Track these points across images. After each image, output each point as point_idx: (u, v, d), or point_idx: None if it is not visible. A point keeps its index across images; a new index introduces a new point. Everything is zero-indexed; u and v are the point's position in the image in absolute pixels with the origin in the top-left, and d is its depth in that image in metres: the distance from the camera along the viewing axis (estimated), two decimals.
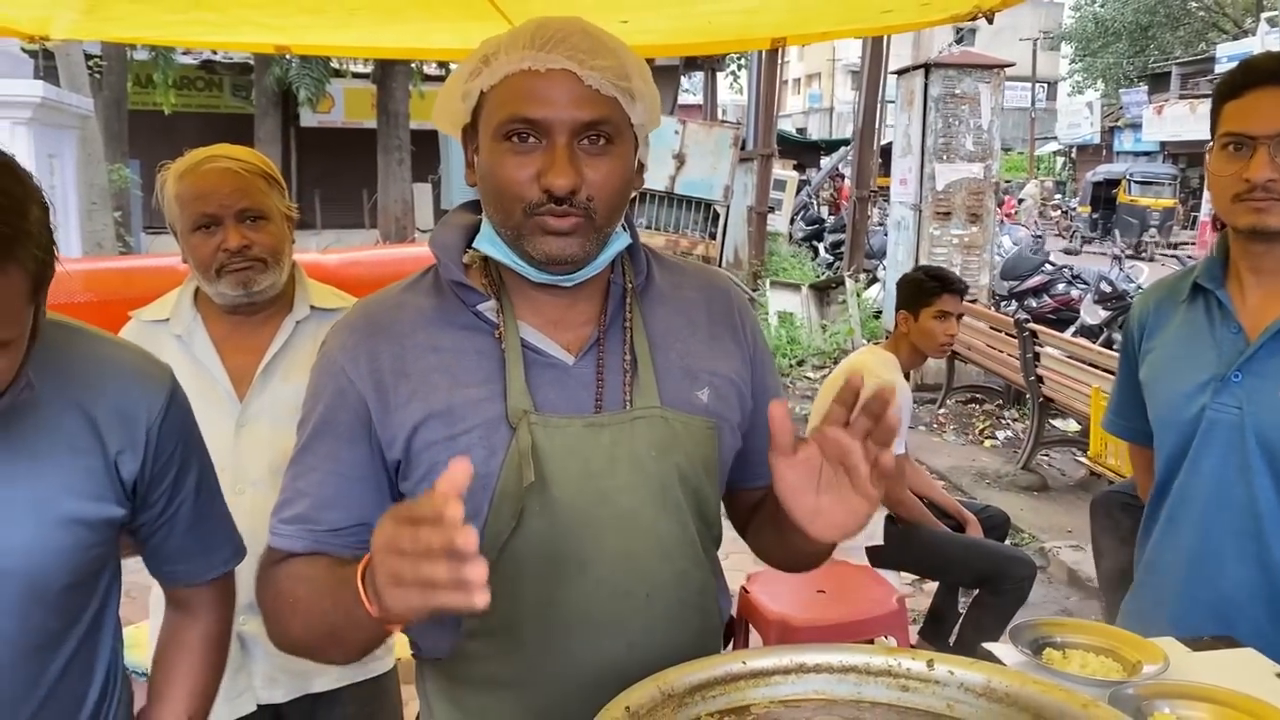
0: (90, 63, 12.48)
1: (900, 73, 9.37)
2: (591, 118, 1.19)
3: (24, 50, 8.08)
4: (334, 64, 16.26)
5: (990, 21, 3.95)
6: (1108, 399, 2.01)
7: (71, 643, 1.28)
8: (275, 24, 3.65)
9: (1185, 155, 28.76)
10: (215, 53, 19.49)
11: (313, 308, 2.01)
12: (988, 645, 1.42)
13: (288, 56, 14.67)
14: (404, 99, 14.98)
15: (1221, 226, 1.73)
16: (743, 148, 11.11)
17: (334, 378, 1.28)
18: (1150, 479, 1.86)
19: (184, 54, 17.88)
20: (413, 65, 15.50)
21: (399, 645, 2.22)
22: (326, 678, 2.01)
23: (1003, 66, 8.94)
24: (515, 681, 1.29)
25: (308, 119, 20.12)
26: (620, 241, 1.30)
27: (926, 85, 8.71)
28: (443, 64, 18.94)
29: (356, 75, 19.03)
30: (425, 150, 16.71)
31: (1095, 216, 27.80)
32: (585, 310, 1.31)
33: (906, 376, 3.64)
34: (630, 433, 1.27)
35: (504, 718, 1.30)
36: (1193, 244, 24.10)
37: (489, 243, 1.27)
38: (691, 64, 18.95)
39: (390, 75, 14.80)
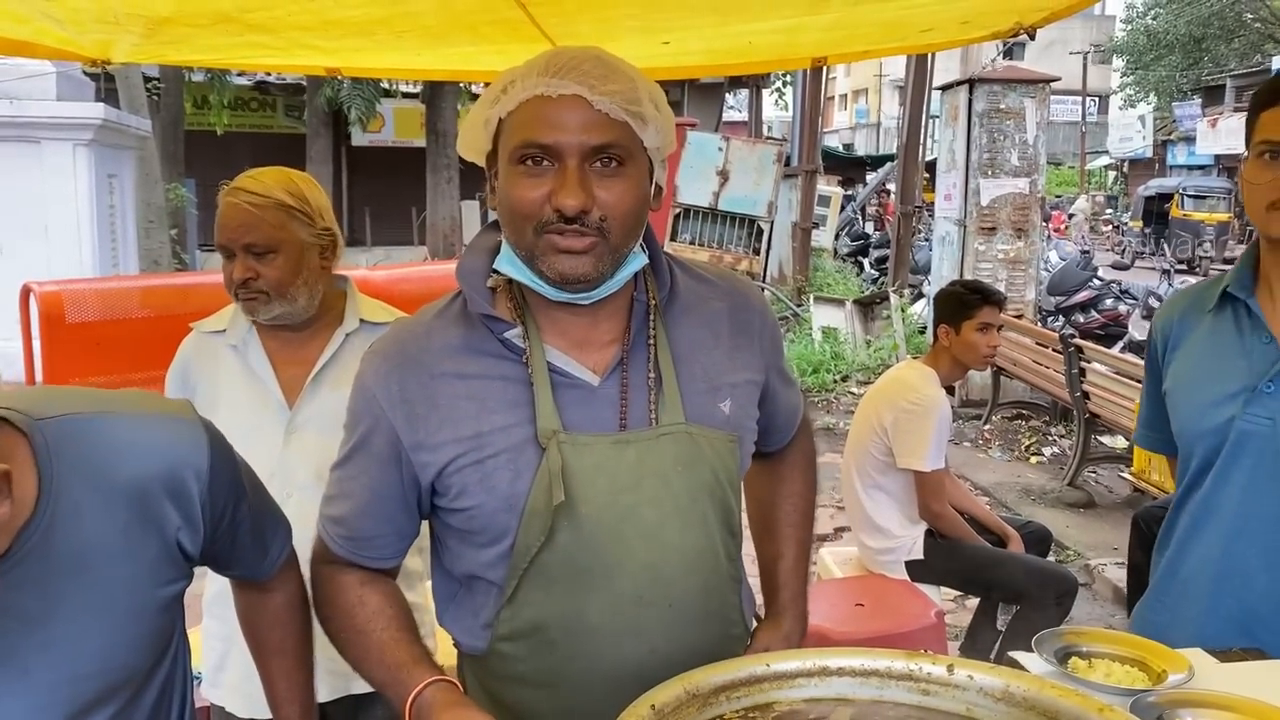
0: (149, 85, 12.81)
1: (945, 88, 9.34)
2: (601, 141, 1.23)
3: (85, 73, 8.34)
4: (384, 84, 16.52)
5: (1033, 38, 3.96)
6: (1138, 413, 2.01)
7: (153, 690, 1.30)
8: (327, 47, 3.76)
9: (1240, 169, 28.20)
10: (269, 74, 19.92)
11: (362, 321, 2.09)
12: (1013, 654, 1.44)
13: (339, 78, 14.95)
14: (452, 118, 15.19)
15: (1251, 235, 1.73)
16: (787, 164, 11.15)
17: (369, 405, 1.35)
18: None
19: (238, 76, 18.29)
20: (461, 85, 15.71)
21: (441, 650, 2.28)
22: None
23: (1048, 81, 8.88)
24: (545, 681, 1.35)
25: (359, 138, 20.43)
26: (636, 261, 1.34)
27: (971, 100, 8.67)
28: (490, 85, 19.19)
29: (406, 95, 19.31)
30: (473, 168, 16.60)
31: (1147, 231, 27.38)
32: (609, 328, 1.35)
33: (950, 391, 3.63)
34: (656, 449, 1.32)
35: (536, 713, 1.36)
36: None
37: (508, 263, 1.32)
38: (736, 81, 19.01)
39: (439, 95, 15.01)
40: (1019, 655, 1.44)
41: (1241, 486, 1.65)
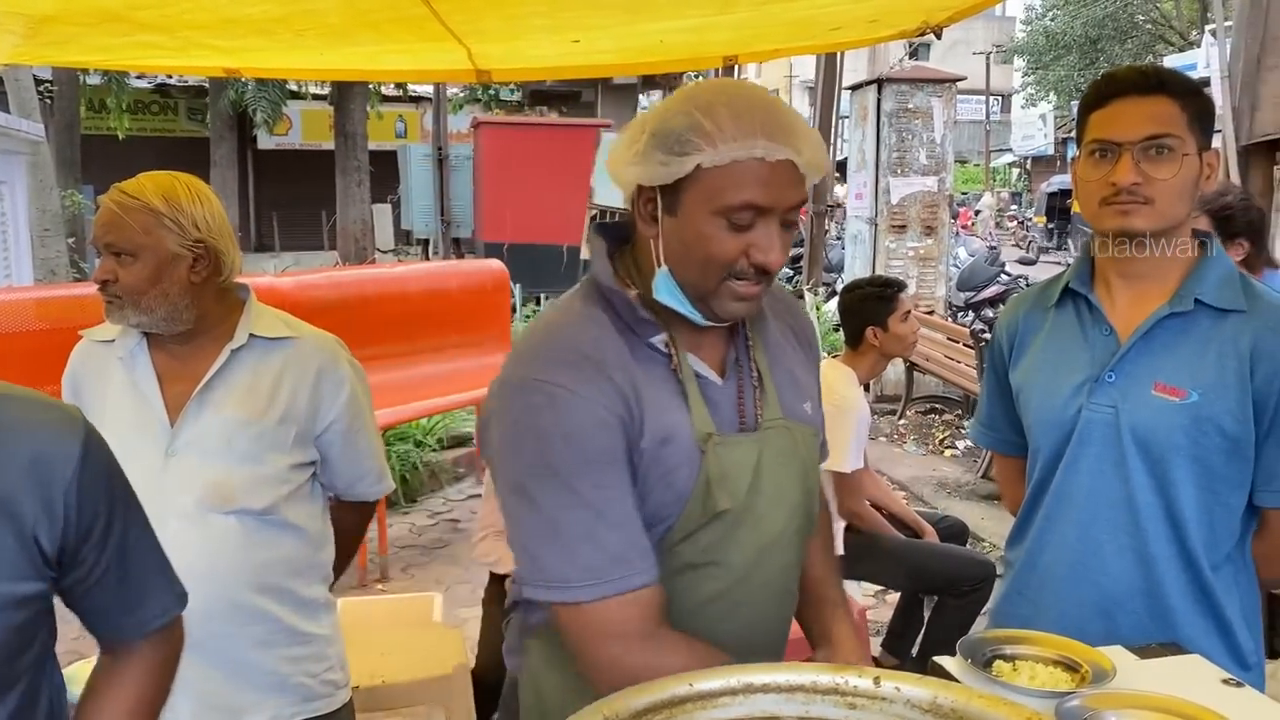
0: (41, 88, 12.31)
1: (854, 88, 9.45)
2: (800, 199, 1.33)
3: None
4: (290, 86, 16.15)
5: (939, 37, 4.01)
6: (975, 410, 2.05)
7: (10, 704, 1.20)
8: (224, 46, 3.62)
9: None
10: (170, 76, 19.34)
11: (253, 336, 1.96)
12: (938, 659, 1.43)
13: (243, 79, 14.56)
14: (361, 120, 14.89)
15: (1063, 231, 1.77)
16: None
17: (591, 414, 1.29)
18: (1017, 489, 1.90)
19: (138, 78, 17.71)
20: (370, 86, 15.43)
21: (355, 675, 2.20)
22: (261, 715, 1.96)
23: (954, 80, 9.05)
24: None
25: (265, 141, 19.99)
26: None
27: (879, 100, 8.79)
28: (400, 85, 18.97)
29: (314, 97, 18.90)
30: (384, 171, 16.64)
31: (1051, 226, 28.18)
32: (718, 331, 1.43)
33: (866, 388, 3.65)
34: (770, 444, 1.42)
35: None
36: None
37: (668, 294, 1.35)
38: (650, 82, 19.01)
39: (348, 97, 14.71)
40: (943, 660, 1.42)
41: (1089, 474, 1.69)
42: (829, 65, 8.74)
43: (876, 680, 1.14)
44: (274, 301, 2.14)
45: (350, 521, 2.19)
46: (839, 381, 3.48)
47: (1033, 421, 1.79)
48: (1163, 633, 1.64)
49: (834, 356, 3.68)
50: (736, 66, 5.46)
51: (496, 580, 3.29)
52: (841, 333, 3.97)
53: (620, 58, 4.16)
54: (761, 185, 1.28)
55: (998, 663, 1.40)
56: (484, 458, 1.46)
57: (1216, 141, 1.75)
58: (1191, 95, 1.62)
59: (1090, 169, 1.66)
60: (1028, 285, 10.04)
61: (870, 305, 3.58)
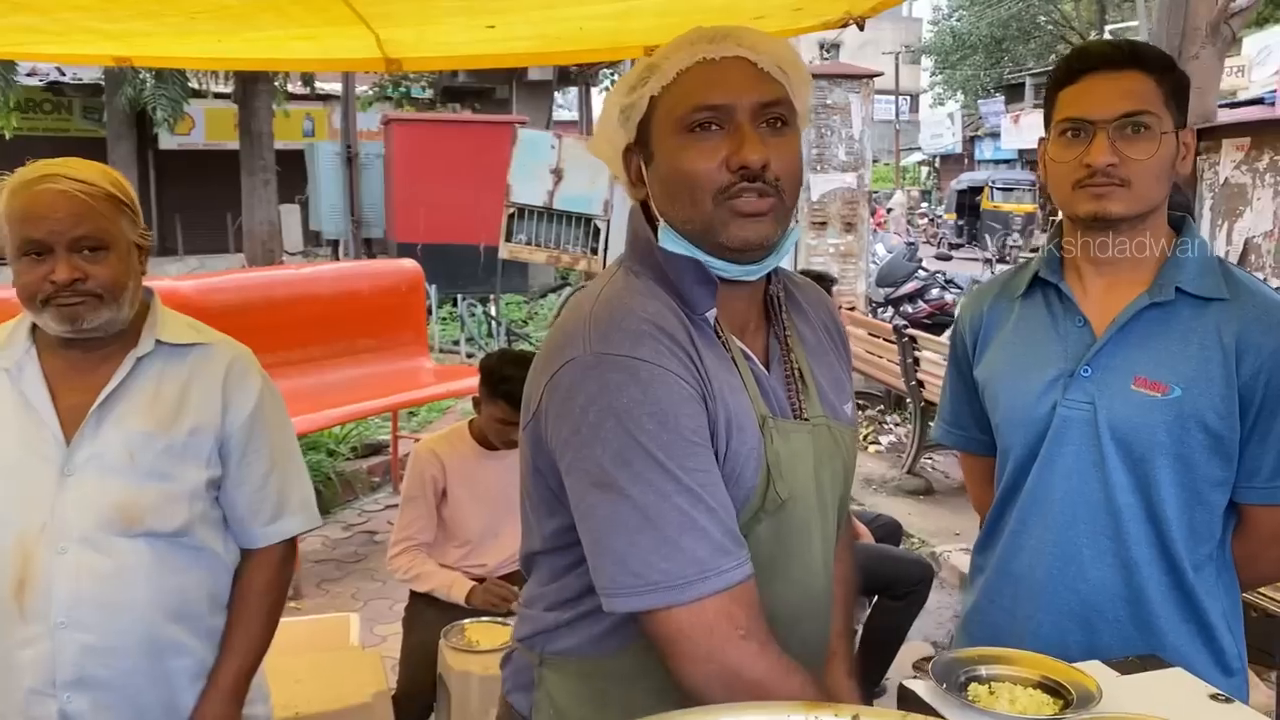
0: None
1: None
2: (771, 97, 1.21)
3: None
4: (193, 83, 15.58)
5: (861, 28, 3.93)
6: (937, 409, 1.93)
7: None
8: (110, 31, 3.37)
9: None
10: (63, 73, 18.53)
11: (159, 342, 1.77)
12: (908, 683, 1.30)
13: (142, 75, 13.98)
14: (267, 118, 14.43)
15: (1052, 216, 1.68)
16: None
17: (673, 386, 1.16)
18: (985, 489, 1.80)
19: (28, 75, 16.93)
20: (276, 84, 14.98)
21: (279, 706, 2.01)
22: None
23: (872, 76, 9.08)
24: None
25: (167, 141, 19.28)
26: (795, 232, 1.33)
27: None
28: (308, 82, 18.48)
29: (217, 95, 18.29)
30: (291, 171, 16.17)
31: (961, 223, 28.74)
32: (756, 316, 1.33)
33: None
34: (820, 440, 1.31)
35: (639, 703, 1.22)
36: None
37: (671, 242, 1.24)
38: (565, 79, 18.83)
39: (252, 94, 14.24)
40: (914, 684, 1.29)
41: (1066, 475, 1.59)
42: None
43: (855, 718, 1.01)
44: (175, 306, 1.94)
45: (259, 579, 1.87)
46: None
47: (1001, 419, 1.68)
48: (1145, 640, 1.55)
49: None
50: None
51: (417, 599, 3.10)
52: None
53: (537, 45, 4.00)
54: (711, 84, 1.20)
55: (973, 686, 1.28)
56: (532, 461, 1.28)
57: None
58: (1166, 70, 1.53)
59: (1062, 149, 1.56)
60: (946, 280, 10.17)
61: None
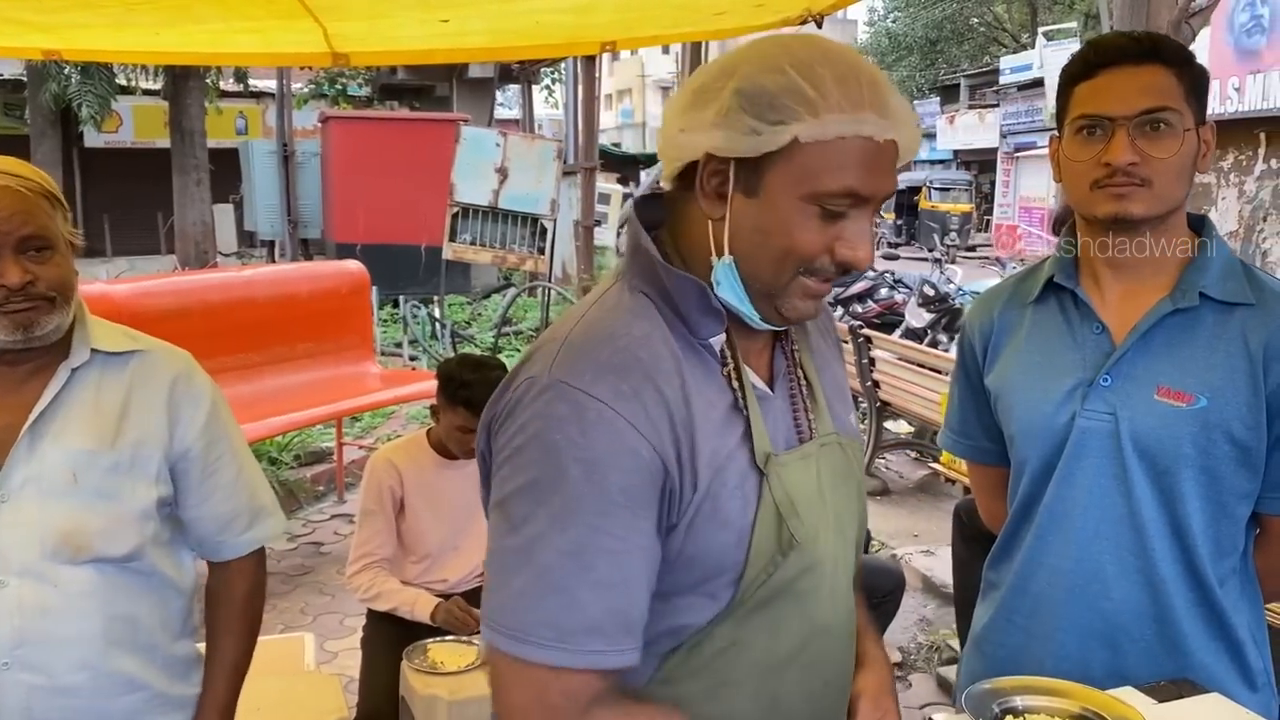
0: None
1: None
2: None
3: None
4: (120, 79, 15.12)
5: (820, 25, 3.88)
6: (944, 416, 1.86)
7: None
8: (39, 22, 3.18)
9: (977, 162, 30.42)
10: None
11: (94, 351, 1.63)
12: (937, 716, 1.22)
13: (67, 71, 13.53)
14: (199, 115, 14.06)
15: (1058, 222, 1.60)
16: (565, 162, 10.90)
17: (616, 437, 1.05)
18: (995, 501, 1.73)
19: None
20: (207, 80, 14.60)
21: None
22: None
23: None
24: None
25: (93, 139, 18.75)
26: None
27: None
28: (241, 79, 18.04)
29: (146, 92, 17.79)
30: (225, 169, 15.78)
31: (899, 223, 29.06)
32: (762, 336, 1.22)
33: None
34: (827, 462, 1.23)
35: None
36: (990, 245, 25.49)
37: (729, 290, 1.13)
38: (506, 76, 18.63)
39: (183, 91, 13.86)
40: (941, 716, 1.21)
41: (1087, 490, 1.52)
42: (694, 61, 8.61)
43: None
44: (107, 311, 1.79)
45: (238, 589, 1.79)
46: None
47: (1017, 431, 1.60)
48: (1172, 659, 1.48)
49: None
50: (601, 57, 5.26)
51: (375, 618, 2.97)
52: None
53: (492, 40, 3.88)
54: (866, 169, 1.07)
55: (1009, 718, 1.20)
56: (478, 456, 1.19)
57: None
58: (1187, 63, 1.46)
59: (1078, 148, 1.48)
60: (895, 279, 10.20)
61: None
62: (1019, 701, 1.22)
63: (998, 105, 27.32)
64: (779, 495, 1.14)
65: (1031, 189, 25.11)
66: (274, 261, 14.15)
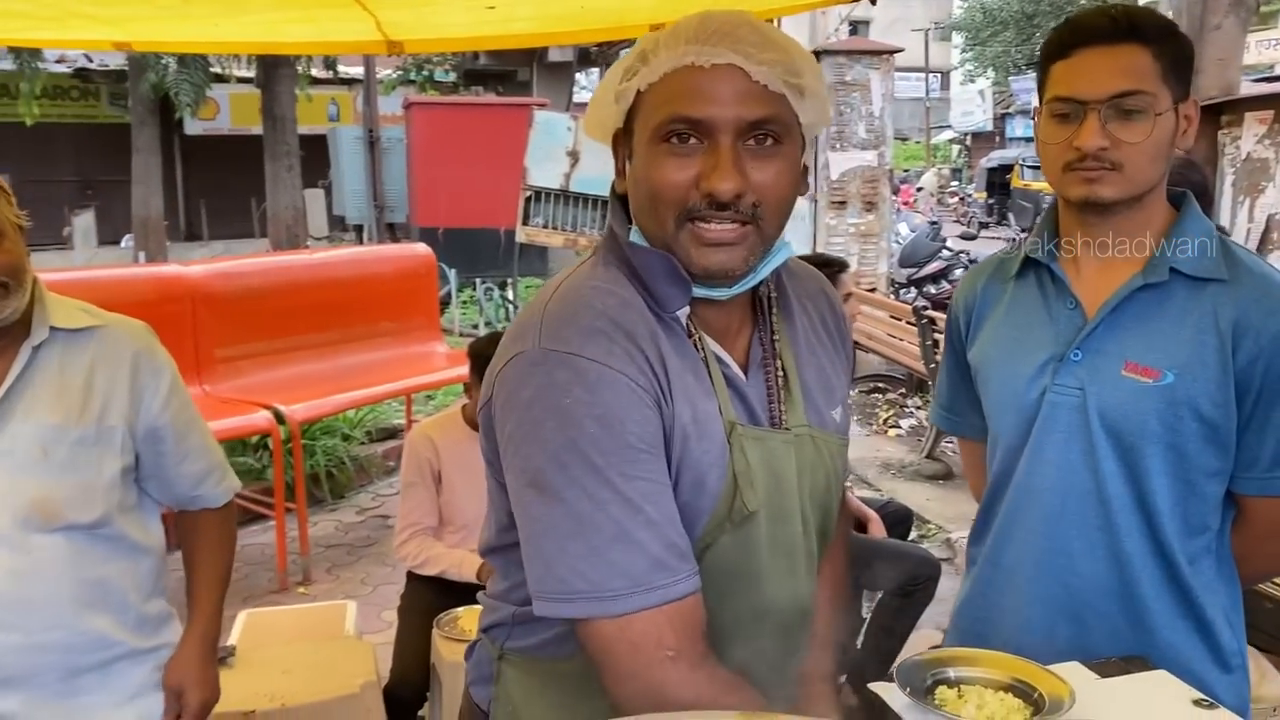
0: None
1: None
2: (759, 115, 1.10)
3: None
4: (215, 68, 15.60)
5: (874, 3, 3.84)
6: (934, 391, 1.86)
7: None
8: (105, 15, 3.34)
9: None
10: (90, 59, 18.63)
11: (54, 329, 1.72)
12: (876, 687, 1.24)
13: (164, 61, 14.00)
14: (290, 103, 14.41)
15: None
16: None
17: (621, 389, 1.09)
18: (983, 476, 1.73)
19: (56, 61, 17.03)
20: (298, 68, 14.97)
21: (251, 698, 1.98)
22: None
23: (892, 52, 8.93)
24: None
25: (193, 127, 19.34)
26: (785, 252, 1.23)
27: None
28: (331, 66, 18.44)
29: (241, 80, 18.33)
30: (315, 155, 16.19)
31: (991, 202, 28.34)
32: (740, 317, 1.24)
33: None
34: (798, 451, 1.23)
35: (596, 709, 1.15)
36: None
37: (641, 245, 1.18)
38: (585, 60, 18.71)
39: (275, 79, 14.23)
40: (880, 687, 1.24)
41: (1056, 465, 1.52)
42: None
43: None
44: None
45: (214, 534, 1.96)
46: None
47: (992, 405, 1.62)
48: (1137, 636, 1.48)
49: None
50: None
51: (414, 584, 3.07)
52: None
53: (538, 26, 3.93)
54: (695, 95, 1.08)
55: (941, 689, 1.22)
56: (485, 451, 1.24)
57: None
58: (1167, 40, 1.43)
59: (1052, 130, 1.47)
60: (970, 260, 10.02)
61: None
62: (952, 673, 1.24)
63: None
64: (739, 466, 1.16)
65: None
66: (362, 245, 14.50)
